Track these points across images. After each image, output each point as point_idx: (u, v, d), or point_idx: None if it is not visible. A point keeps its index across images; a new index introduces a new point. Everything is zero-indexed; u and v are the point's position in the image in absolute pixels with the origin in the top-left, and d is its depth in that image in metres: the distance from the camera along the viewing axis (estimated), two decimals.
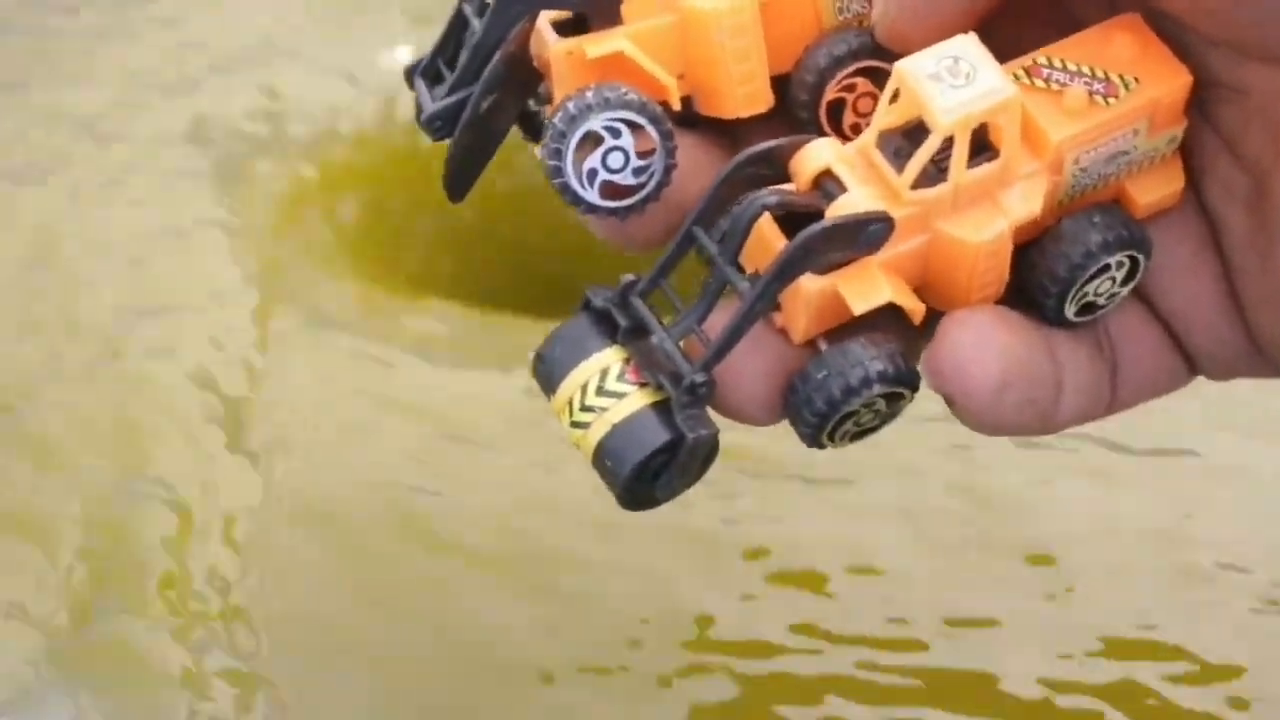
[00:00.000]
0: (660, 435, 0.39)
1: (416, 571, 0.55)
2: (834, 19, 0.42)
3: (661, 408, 0.39)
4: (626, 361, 0.40)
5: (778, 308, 0.40)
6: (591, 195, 0.40)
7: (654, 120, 0.40)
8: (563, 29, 0.41)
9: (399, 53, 0.72)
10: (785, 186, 0.40)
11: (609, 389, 0.39)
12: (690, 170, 0.41)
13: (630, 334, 0.40)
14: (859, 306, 0.39)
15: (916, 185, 0.39)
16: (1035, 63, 0.41)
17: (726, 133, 0.43)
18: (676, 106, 0.41)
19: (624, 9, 0.41)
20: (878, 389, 0.39)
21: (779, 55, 0.42)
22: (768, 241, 0.39)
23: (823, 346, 0.40)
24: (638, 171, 0.40)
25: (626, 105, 0.39)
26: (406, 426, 0.60)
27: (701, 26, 0.40)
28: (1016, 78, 0.40)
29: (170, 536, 0.55)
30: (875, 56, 0.41)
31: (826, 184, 0.39)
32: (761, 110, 0.42)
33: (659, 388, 0.39)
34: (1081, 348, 0.42)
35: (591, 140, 0.40)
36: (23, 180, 0.66)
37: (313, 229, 0.67)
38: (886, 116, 0.39)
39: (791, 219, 0.39)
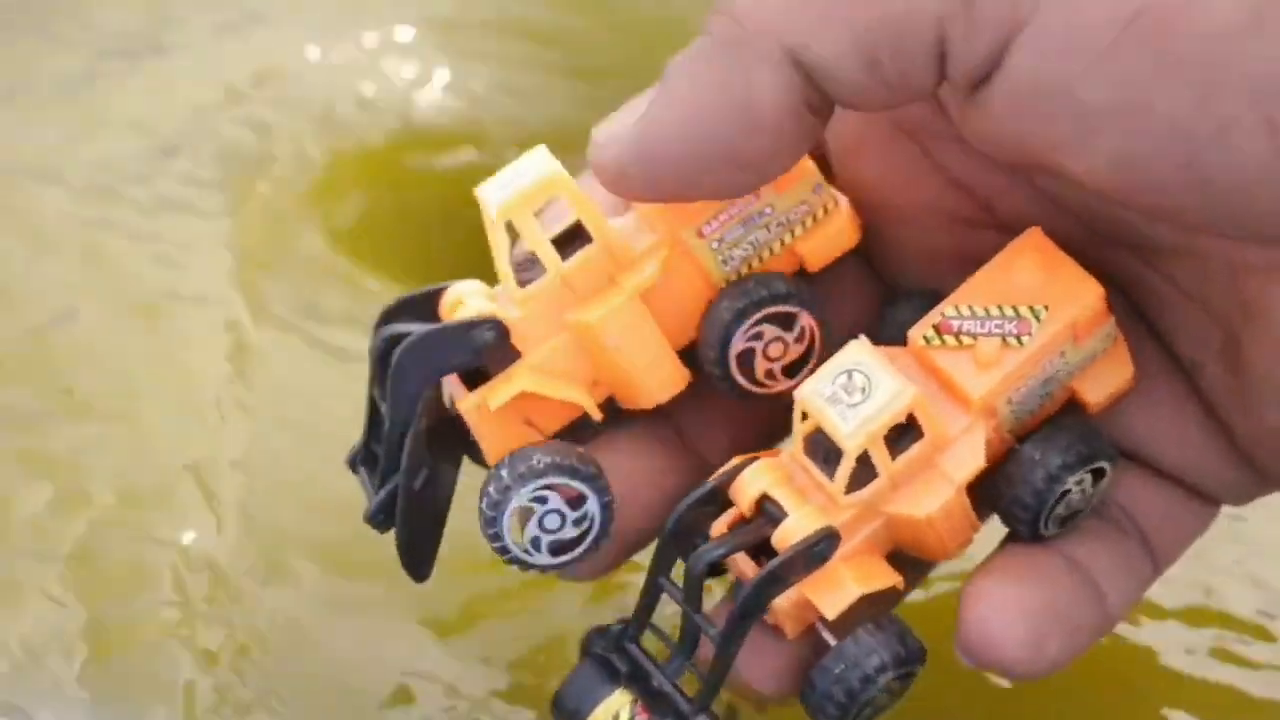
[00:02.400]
0: None
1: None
2: (721, 275, 0.42)
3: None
4: (635, 702, 0.42)
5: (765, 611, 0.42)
6: (543, 559, 0.42)
7: (572, 474, 0.41)
8: (470, 378, 0.42)
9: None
10: (729, 515, 0.41)
11: None
12: (637, 474, 0.43)
13: (631, 678, 0.42)
14: (831, 611, 0.40)
15: (851, 488, 0.40)
16: (944, 317, 0.40)
17: (661, 415, 0.44)
18: (597, 417, 0.42)
19: (515, 341, 0.41)
20: (883, 680, 0.40)
21: (680, 328, 0.42)
22: (737, 561, 0.41)
23: (823, 633, 0.41)
24: (577, 522, 0.41)
25: (540, 474, 0.41)
26: None
27: (592, 336, 0.41)
28: (926, 340, 0.40)
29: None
30: (776, 302, 0.41)
31: (768, 506, 0.40)
32: (679, 389, 0.42)
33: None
34: (1097, 543, 0.43)
35: (523, 513, 0.41)
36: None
37: (309, 237, 0.64)
38: (803, 429, 0.40)
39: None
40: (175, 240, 0.62)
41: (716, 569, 0.41)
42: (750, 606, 0.39)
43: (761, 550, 0.40)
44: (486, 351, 0.40)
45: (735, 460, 0.41)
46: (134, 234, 0.62)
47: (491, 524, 0.41)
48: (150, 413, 0.56)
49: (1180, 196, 0.36)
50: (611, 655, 0.42)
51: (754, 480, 0.40)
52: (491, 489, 0.41)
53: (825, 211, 0.42)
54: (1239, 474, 0.42)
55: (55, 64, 0.68)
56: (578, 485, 0.41)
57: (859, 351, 0.39)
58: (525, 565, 0.42)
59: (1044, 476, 0.41)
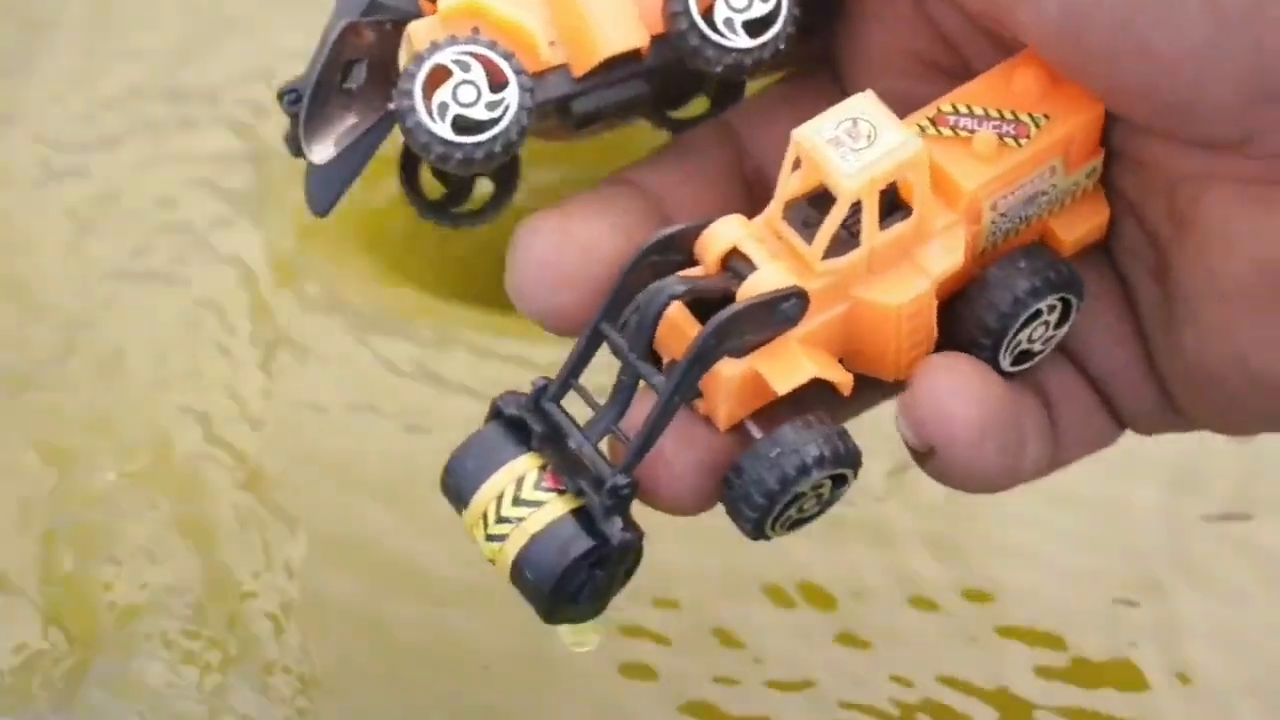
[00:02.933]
0: (583, 542, 0.37)
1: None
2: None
3: (583, 514, 0.37)
4: (543, 469, 0.38)
5: (699, 395, 0.38)
6: (443, 129, 0.38)
7: (505, 56, 0.38)
8: None
9: None
10: (692, 271, 0.38)
11: (525, 498, 0.38)
12: (604, 231, 0.39)
13: (545, 440, 0.38)
14: (782, 386, 0.37)
15: (828, 255, 0.37)
16: (940, 111, 0.39)
17: (634, 185, 0.41)
18: (545, 54, 0.39)
19: None
20: (817, 475, 0.37)
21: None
22: (681, 329, 0.37)
23: (753, 432, 0.38)
24: (491, 106, 0.38)
25: (475, 41, 0.38)
26: None
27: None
28: (921, 129, 0.38)
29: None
30: None
31: (735, 263, 0.37)
32: (636, 43, 0.39)
33: (579, 493, 0.37)
34: (1031, 398, 0.41)
35: (441, 74, 0.38)
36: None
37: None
38: (790, 186, 0.37)
39: (704, 304, 0.37)
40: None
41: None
42: (705, 349, 0.36)
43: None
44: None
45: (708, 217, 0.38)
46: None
47: (409, 78, 0.38)
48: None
49: (1123, 66, 0.36)
50: (526, 416, 0.38)
51: (725, 231, 0.37)
52: (425, 51, 0.38)
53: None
54: (1154, 400, 0.41)
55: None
56: (506, 68, 0.38)
57: (867, 101, 0.37)
58: (427, 136, 0.38)
59: (1011, 300, 0.39)
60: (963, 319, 0.39)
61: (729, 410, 0.38)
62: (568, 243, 0.39)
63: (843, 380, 0.38)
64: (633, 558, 0.38)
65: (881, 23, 0.41)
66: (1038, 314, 0.39)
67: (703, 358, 0.36)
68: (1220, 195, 0.37)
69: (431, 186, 0.45)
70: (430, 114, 0.38)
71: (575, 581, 0.37)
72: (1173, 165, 0.38)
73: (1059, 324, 0.40)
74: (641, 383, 0.37)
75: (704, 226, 0.38)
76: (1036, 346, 0.40)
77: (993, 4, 0.37)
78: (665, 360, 0.38)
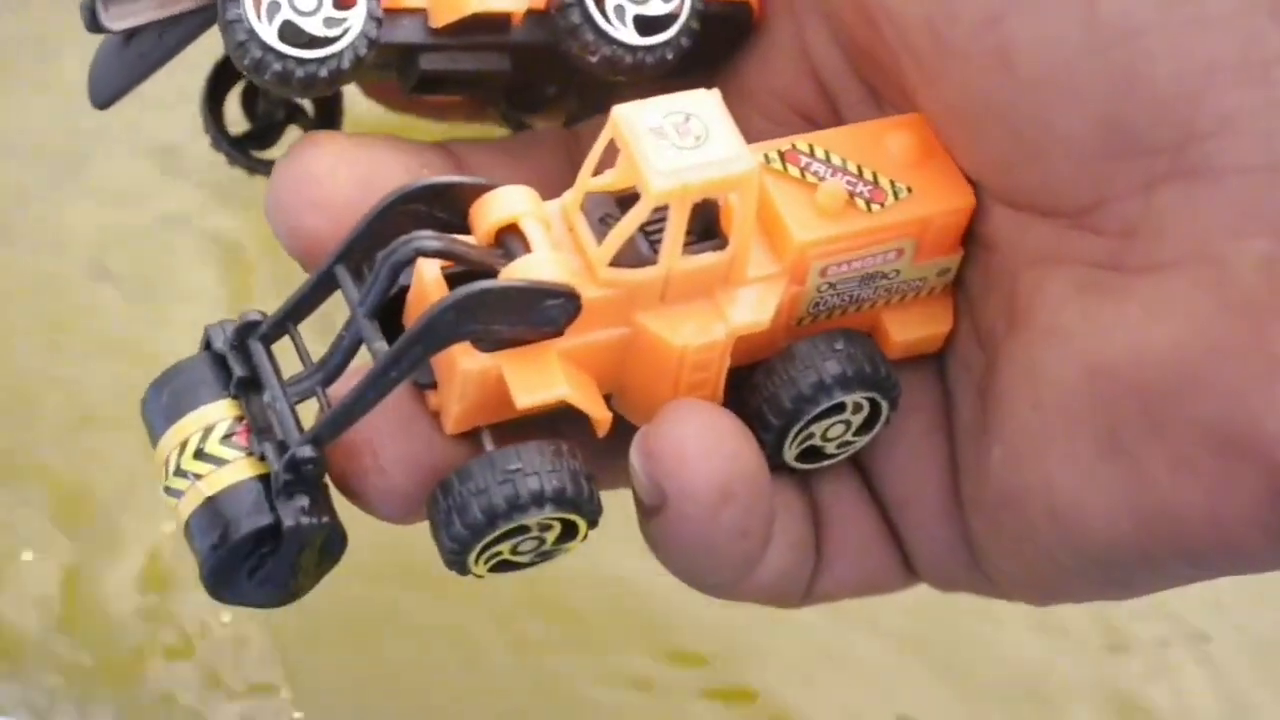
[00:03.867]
0: (253, 520, 0.31)
1: None
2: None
3: (268, 483, 0.31)
4: (239, 419, 0.32)
5: (434, 385, 0.32)
6: (267, 31, 0.32)
7: None
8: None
9: None
10: (462, 237, 0.32)
11: (210, 452, 0.31)
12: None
13: (244, 386, 0.32)
14: (522, 399, 0.31)
15: (618, 262, 0.31)
16: (794, 147, 0.33)
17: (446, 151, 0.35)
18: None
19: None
20: (550, 511, 0.31)
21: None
22: (431, 300, 0.31)
23: (488, 445, 0.32)
24: (330, 23, 0.32)
25: None
26: None
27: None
28: (767, 159, 0.33)
29: None
30: None
31: (510, 241, 0.32)
32: (510, 6, 0.34)
33: (263, 458, 0.31)
34: (797, 500, 0.35)
35: None
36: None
37: None
38: (597, 176, 0.32)
39: (469, 279, 0.31)
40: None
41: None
42: (439, 322, 0.30)
43: None
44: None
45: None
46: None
47: None
48: None
49: (980, 77, 0.31)
50: (228, 354, 0.32)
51: (507, 201, 0.32)
52: None
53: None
54: (949, 542, 0.35)
55: None
56: None
57: (708, 99, 0.31)
58: (248, 36, 0.32)
59: (814, 382, 0.33)
60: (756, 390, 0.34)
61: (460, 411, 0.32)
62: (344, 164, 0.33)
63: (601, 417, 0.32)
64: (324, 543, 0.31)
65: (764, 62, 0.37)
66: (840, 408, 0.34)
67: (433, 332, 0.30)
68: (1060, 284, 0.32)
69: (237, 118, 0.39)
70: (257, 11, 0.32)
71: (243, 561, 0.31)
72: (1018, 247, 0.33)
73: (861, 430, 0.34)
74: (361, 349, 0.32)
75: (485, 188, 0.32)
76: (829, 448, 0.34)
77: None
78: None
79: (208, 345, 0.33)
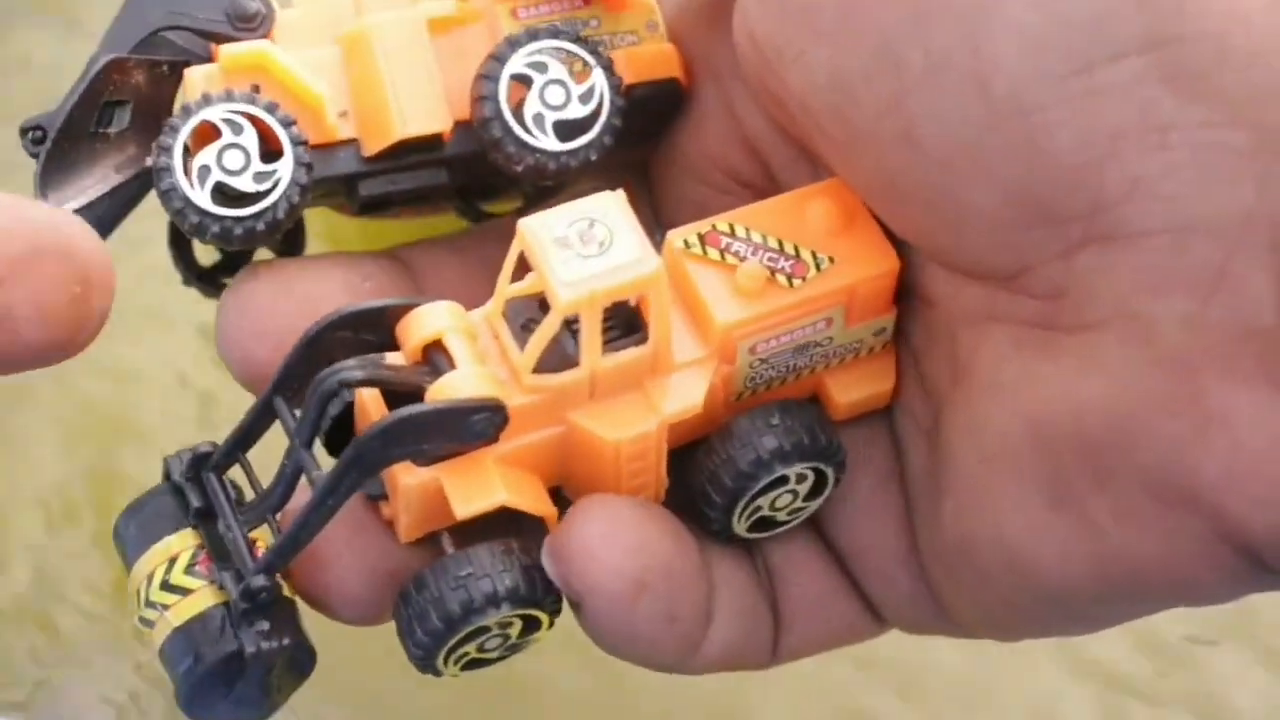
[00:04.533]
0: (219, 648, 0.32)
1: None
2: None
3: (231, 609, 0.33)
4: (200, 548, 0.33)
5: (385, 497, 0.34)
6: (200, 197, 0.33)
7: (284, 122, 0.34)
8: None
9: None
10: (391, 356, 0.33)
11: (174, 583, 0.33)
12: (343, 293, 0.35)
13: (201, 516, 0.33)
14: (461, 509, 0.32)
15: (542, 368, 0.32)
16: (714, 229, 0.34)
17: (395, 258, 0.36)
18: (333, 123, 0.35)
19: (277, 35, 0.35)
20: (507, 610, 0.32)
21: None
22: (371, 419, 0.33)
23: (446, 546, 0.33)
24: (259, 177, 0.34)
25: (252, 100, 0.34)
26: None
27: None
28: (687, 245, 0.34)
29: None
30: (565, 39, 0.35)
31: (436, 357, 0.33)
32: (437, 128, 0.35)
33: (223, 587, 0.33)
34: (738, 571, 0.35)
35: (209, 132, 0.33)
36: None
37: None
38: (513, 282, 0.33)
39: (403, 397, 0.32)
40: None
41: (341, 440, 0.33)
42: (368, 452, 0.31)
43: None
44: (246, 21, 0.34)
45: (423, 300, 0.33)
46: None
47: (172, 132, 0.34)
48: None
49: (888, 157, 0.31)
50: (184, 485, 0.33)
51: (430, 318, 0.33)
52: (191, 102, 0.34)
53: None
54: (910, 588, 0.35)
55: None
56: (283, 136, 0.34)
57: (612, 202, 0.32)
58: (183, 203, 0.33)
59: (753, 459, 0.34)
60: (699, 468, 0.34)
61: (409, 521, 0.33)
62: (284, 292, 0.35)
63: (546, 514, 0.33)
64: (289, 661, 0.33)
65: (697, 130, 0.37)
66: (784, 480, 0.34)
67: (363, 460, 0.31)
68: (998, 341, 0.32)
69: (205, 250, 0.40)
70: (189, 177, 0.33)
71: (216, 684, 0.33)
72: (955, 305, 0.33)
73: (810, 496, 0.35)
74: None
75: (410, 307, 0.33)
76: (780, 516, 0.35)
77: (766, 67, 0.33)
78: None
79: (167, 476, 0.34)
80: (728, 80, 0.36)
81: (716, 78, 0.36)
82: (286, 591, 0.33)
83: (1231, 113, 0.28)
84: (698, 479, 0.34)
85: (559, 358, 0.32)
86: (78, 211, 0.35)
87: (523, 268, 0.32)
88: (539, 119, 0.35)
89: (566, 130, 0.35)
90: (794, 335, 0.34)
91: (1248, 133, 0.28)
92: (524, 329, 0.33)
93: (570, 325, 0.32)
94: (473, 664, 0.34)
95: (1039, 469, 0.31)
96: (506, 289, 0.33)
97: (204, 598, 0.33)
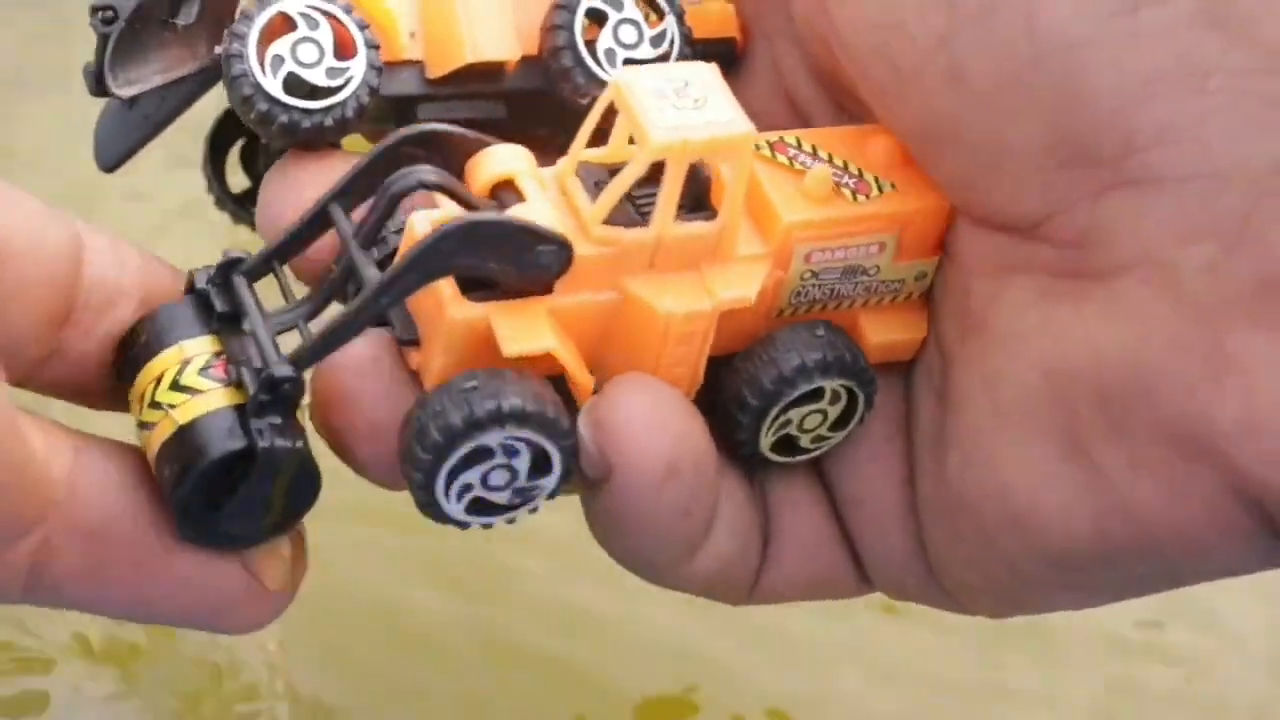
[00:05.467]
0: (228, 443, 0.30)
1: None
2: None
3: (243, 412, 0.31)
4: (218, 354, 0.31)
5: (416, 342, 0.32)
6: (271, 84, 0.33)
7: (359, 24, 0.34)
8: None
9: None
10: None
11: (185, 384, 0.31)
12: None
13: (226, 320, 0.32)
14: (510, 347, 0.31)
15: (610, 222, 0.32)
16: (782, 139, 0.34)
17: None
18: (402, 42, 0.35)
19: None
20: (511, 429, 0.31)
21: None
22: (435, 290, 0.32)
23: None
24: (332, 73, 0.34)
25: None
26: None
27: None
28: (756, 148, 0.34)
29: None
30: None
31: (505, 196, 0.32)
32: (505, 55, 0.35)
33: (240, 385, 0.31)
34: (741, 488, 0.35)
35: (283, 25, 0.33)
36: None
37: None
38: (590, 127, 0.32)
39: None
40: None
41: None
42: (437, 251, 0.30)
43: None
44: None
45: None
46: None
47: (246, 20, 0.34)
48: None
49: (933, 93, 0.32)
50: (211, 290, 0.32)
51: (504, 158, 0.32)
52: None
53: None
54: (902, 545, 0.35)
55: None
56: (357, 34, 0.34)
57: (708, 71, 0.32)
58: (247, 85, 0.34)
59: (796, 365, 0.33)
60: (736, 373, 0.34)
61: (444, 365, 0.32)
62: (326, 170, 0.34)
63: (583, 381, 0.32)
64: (296, 477, 0.31)
65: (742, 86, 0.38)
66: (819, 395, 0.34)
67: (428, 260, 0.30)
68: (1017, 291, 0.32)
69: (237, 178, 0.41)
70: (262, 65, 0.33)
71: (213, 491, 0.30)
72: (973, 258, 0.34)
73: (836, 425, 0.34)
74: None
75: (483, 143, 0.32)
76: (804, 441, 0.34)
77: (818, 5, 0.33)
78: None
79: (191, 288, 0.32)
80: (776, 40, 0.37)
81: (766, 36, 0.37)
82: (306, 414, 0.31)
83: (1269, 61, 0.29)
84: (733, 383, 0.34)
85: (624, 222, 0.32)
86: (139, 97, 0.35)
87: (601, 137, 0.32)
88: (610, 54, 0.36)
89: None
90: (848, 252, 0.34)
91: None
92: (595, 187, 0.32)
93: (636, 199, 0.32)
94: (481, 507, 0.32)
95: (1052, 419, 0.31)
96: (582, 152, 0.32)
97: (217, 398, 0.31)
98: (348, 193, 0.32)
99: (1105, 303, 0.31)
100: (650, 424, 0.31)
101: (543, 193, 0.32)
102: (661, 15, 0.36)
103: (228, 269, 0.32)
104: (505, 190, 0.32)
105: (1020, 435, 0.32)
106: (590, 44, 0.35)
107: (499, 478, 0.31)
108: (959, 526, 0.33)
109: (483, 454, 0.31)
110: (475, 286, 0.31)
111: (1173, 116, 0.30)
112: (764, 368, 0.33)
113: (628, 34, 0.36)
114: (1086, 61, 0.30)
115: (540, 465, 0.31)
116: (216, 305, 0.32)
